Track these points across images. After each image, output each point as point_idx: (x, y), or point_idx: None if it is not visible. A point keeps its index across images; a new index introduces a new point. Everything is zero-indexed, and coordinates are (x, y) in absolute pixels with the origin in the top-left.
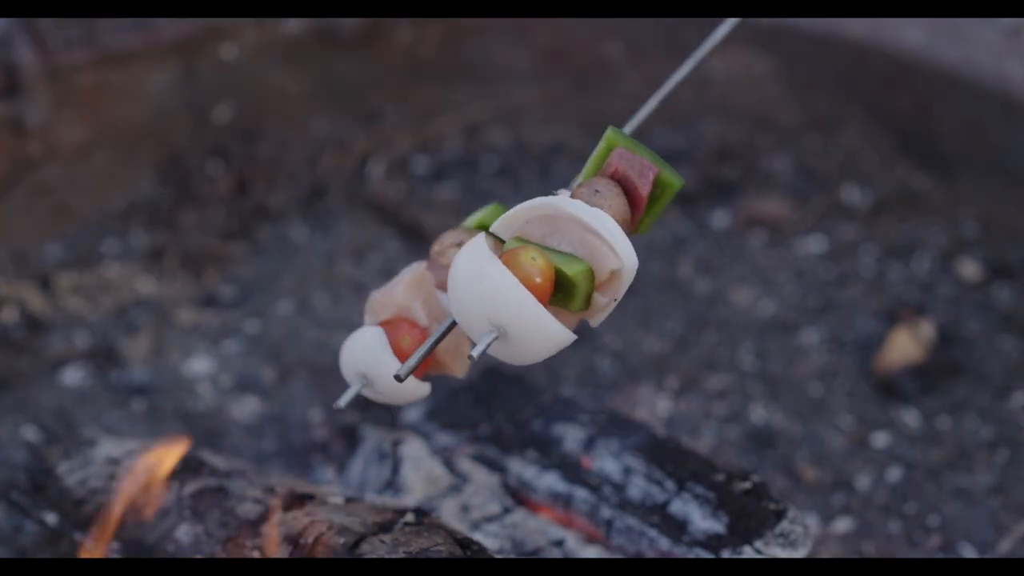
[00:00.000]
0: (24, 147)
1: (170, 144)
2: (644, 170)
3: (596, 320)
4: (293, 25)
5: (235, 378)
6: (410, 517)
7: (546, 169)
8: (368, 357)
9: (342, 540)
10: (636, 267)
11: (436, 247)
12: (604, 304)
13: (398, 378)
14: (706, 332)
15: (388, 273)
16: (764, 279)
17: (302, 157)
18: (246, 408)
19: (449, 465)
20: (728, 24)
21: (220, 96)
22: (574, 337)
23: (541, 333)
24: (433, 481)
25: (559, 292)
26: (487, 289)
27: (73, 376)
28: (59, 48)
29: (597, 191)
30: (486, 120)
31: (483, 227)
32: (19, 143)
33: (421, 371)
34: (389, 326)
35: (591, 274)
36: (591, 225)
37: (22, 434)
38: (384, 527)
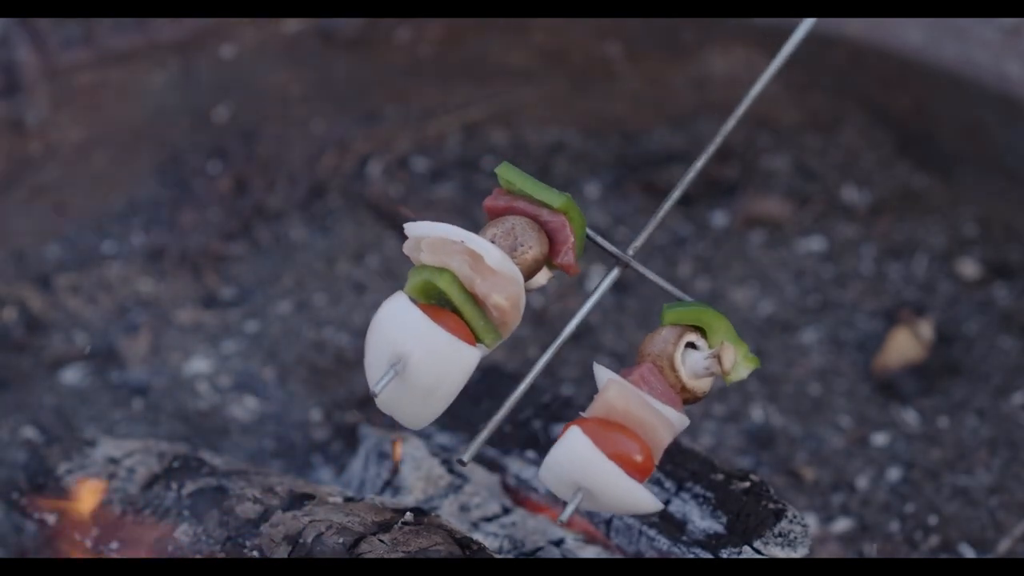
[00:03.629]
0: (24, 147)
1: (170, 144)
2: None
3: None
4: (292, 25)
5: (234, 378)
6: (409, 517)
7: (545, 169)
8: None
9: (341, 540)
10: (498, 258)
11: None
12: (499, 303)
13: (461, 462)
14: None
15: (388, 273)
16: (763, 279)
17: (302, 157)
18: (246, 408)
19: (448, 465)
20: (806, 24)
21: (219, 96)
22: (478, 354)
23: (434, 352)
24: (433, 481)
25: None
26: (378, 319)
27: (73, 376)
28: (59, 48)
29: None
30: (486, 120)
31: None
32: (19, 143)
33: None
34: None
35: (451, 276)
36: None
37: (22, 434)
38: (383, 527)
